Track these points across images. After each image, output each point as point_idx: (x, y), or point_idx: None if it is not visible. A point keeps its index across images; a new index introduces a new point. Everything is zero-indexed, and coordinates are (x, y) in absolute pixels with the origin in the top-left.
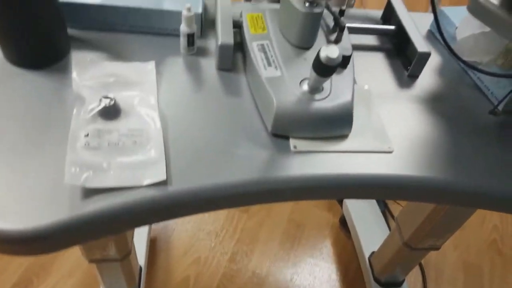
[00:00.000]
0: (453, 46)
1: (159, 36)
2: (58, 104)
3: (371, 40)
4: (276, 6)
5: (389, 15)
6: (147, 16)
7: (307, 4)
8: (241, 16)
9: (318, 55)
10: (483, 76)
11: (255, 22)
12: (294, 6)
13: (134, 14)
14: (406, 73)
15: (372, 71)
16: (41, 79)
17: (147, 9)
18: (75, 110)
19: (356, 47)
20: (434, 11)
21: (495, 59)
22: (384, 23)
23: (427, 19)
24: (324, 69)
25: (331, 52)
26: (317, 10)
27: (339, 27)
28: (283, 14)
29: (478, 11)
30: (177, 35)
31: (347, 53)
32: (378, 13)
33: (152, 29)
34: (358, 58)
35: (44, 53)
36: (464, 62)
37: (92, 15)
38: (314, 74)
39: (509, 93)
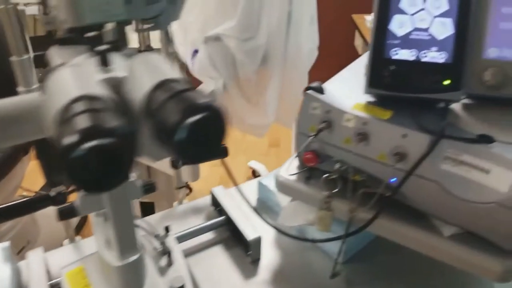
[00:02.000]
0: (280, 212)
1: None
2: None
3: (208, 234)
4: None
5: (216, 202)
6: None
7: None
8: (59, 277)
9: None
10: (316, 236)
11: (76, 280)
12: (108, 262)
13: None
14: (249, 259)
15: (217, 272)
16: None
17: None
18: None
19: (194, 250)
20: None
21: (316, 224)
22: (216, 208)
23: (255, 186)
24: None
25: None
26: (133, 257)
27: (167, 253)
28: (103, 268)
29: (282, 188)
30: None
31: (178, 285)
32: (208, 199)
33: None
34: (199, 263)
35: None
36: (287, 234)
37: None
38: None
39: (336, 260)
